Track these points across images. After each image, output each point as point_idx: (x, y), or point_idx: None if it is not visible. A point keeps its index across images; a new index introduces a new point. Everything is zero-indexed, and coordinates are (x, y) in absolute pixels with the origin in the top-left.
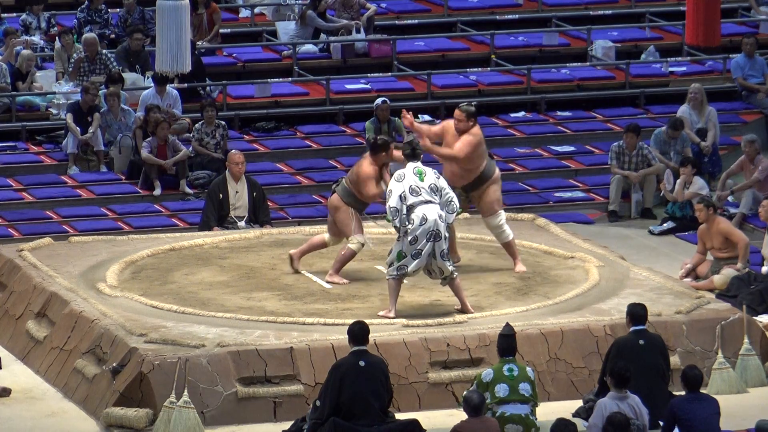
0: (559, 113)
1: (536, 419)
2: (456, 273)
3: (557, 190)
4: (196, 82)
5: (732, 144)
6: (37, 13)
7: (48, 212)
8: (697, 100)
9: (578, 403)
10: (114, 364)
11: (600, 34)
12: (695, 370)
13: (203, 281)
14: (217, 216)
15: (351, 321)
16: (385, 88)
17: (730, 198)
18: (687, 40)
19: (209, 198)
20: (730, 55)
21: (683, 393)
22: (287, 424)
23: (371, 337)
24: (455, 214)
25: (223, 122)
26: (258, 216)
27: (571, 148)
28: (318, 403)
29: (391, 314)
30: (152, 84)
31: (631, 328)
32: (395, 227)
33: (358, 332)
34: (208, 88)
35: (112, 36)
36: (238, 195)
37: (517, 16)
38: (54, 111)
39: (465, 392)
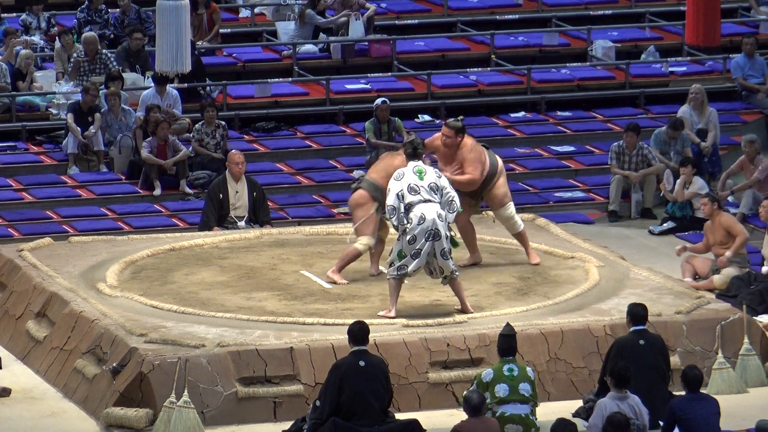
0: (559, 113)
1: (536, 419)
2: (457, 272)
3: (557, 190)
4: (196, 82)
5: (732, 144)
6: (37, 13)
7: (48, 212)
8: (698, 100)
9: (578, 403)
10: (114, 364)
11: (600, 34)
12: (695, 370)
13: (203, 281)
14: (217, 216)
15: (351, 321)
16: (385, 88)
17: (730, 198)
18: (687, 40)
19: (209, 198)
20: (730, 55)
21: (683, 393)
22: (287, 424)
23: (371, 337)
24: (456, 213)
25: (223, 122)
26: (258, 216)
27: (571, 148)
28: (318, 403)
29: (392, 314)
30: (152, 84)
31: (632, 328)
32: (393, 226)
33: (358, 332)
34: (208, 88)
35: (112, 36)
36: (238, 195)
37: (517, 16)
38: (54, 111)
39: (465, 392)
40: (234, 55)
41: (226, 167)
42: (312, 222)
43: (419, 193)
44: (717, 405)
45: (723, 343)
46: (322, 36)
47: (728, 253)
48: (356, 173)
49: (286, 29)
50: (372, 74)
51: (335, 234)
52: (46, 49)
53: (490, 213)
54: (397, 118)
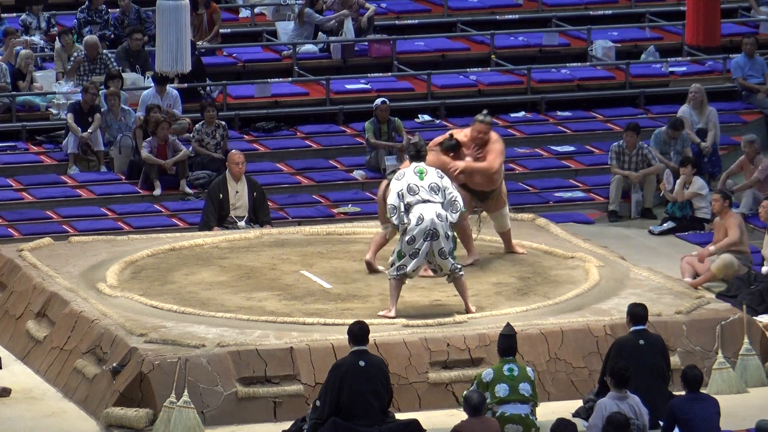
0: (559, 113)
1: (536, 419)
2: (461, 271)
3: (557, 190)
4: (196, 82)
5: (732, 144)
6: (37, 13)
7: (48, 212)
8: (698, 100)
9: (578, 403)
10: (114, 364)
11: (600, 34)
12: (695, 370)
13: (203, 281)
14: (217, 216)
15: (351, 321)
16: (385, 88)
17: None
18: (687, 40)
19: (209, 198)
20: (730, 55)
21: (683, 393)
22: (287, 424)
23: (371, 337)
24: (459, 213)
25: (223, 122)
26: (258, 216)
27: (571, 148)
28: (318, 403)
29: (392, 314)
30: (152, 84)
31: (632, 328)
32: (395, 225)
33: (358, 332)
34: (208, 88)
35: (113, 36)
36: (238, 195)
37: (517, 16)
38: (54, 111)
39: (465, 392)
40: (234, 55)
41: (226, 167)
42: (312, 222)
43: (418, 193)
44: (717, 405)
45: (723, 343)
46: (322, 36)
47: (711, 248)
48: (356, 173)
49: (286, 29)
50: (372, 74)
51: (335, 234)
52: (46, 49)
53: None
54: (396, 118)
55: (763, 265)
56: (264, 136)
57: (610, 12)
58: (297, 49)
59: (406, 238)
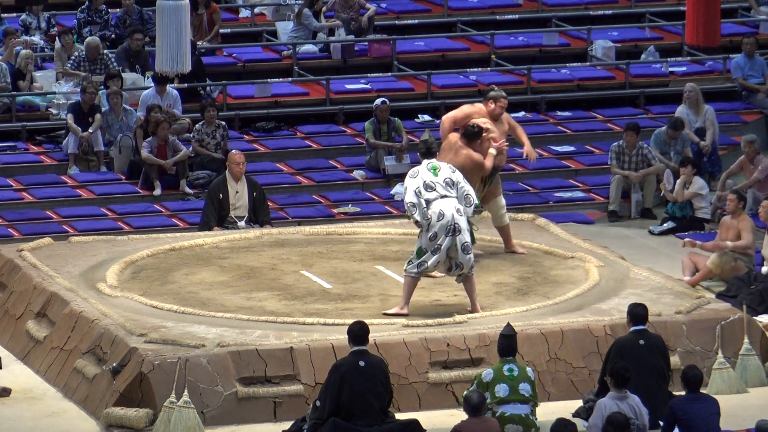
0: (559, 113)
1: (536, 419)
2: (473, 271)
3: (557, 190)
4: (196, 82)
5: (732, 144)
6: (37, 13)
7: (48, 212)
8: (693, 99)
9: (578, 403)
10: (114, 364)
11: (600, 34)
12: (695, 370)
13: (203, 281)
14: (217, 216)
15: (351, 321)
16: (385, 88)
17: None
18: (687, 40)
19: (209, 198)
20: (730, 55)
21: (683, 393)
22: (287, 424)
23: (371, 337)
24: (473, 206)
25: (223, 122)
26: (258, 216)
27: (571, 148)
28: (318, 403)
29: (405, 311)
30: (152, 84)
31: (632, 328)
32: (416, 222)
33: (358, 332)
34: (208, 88)
35: (113, 36)
36: (238, 195)
37: (517, 16)
38: (54, 111)
39: (465, 392)
40: (234, 55)
41: (226, 167)
42: (312, 222)
43: (435, 189)
44: (717, 405)
45: (723, 343)
46: (321, 36)
47: (729, 243)
48: (356, 173)
49: (286, 29)
50: (372, 74)
51: (335, 234)
52: (46, 49)
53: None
54: (396, 118)
55: (763, 265)
56: (264, 136)
57: (610, 12)
58: (297, 49)
59: (429, 234)
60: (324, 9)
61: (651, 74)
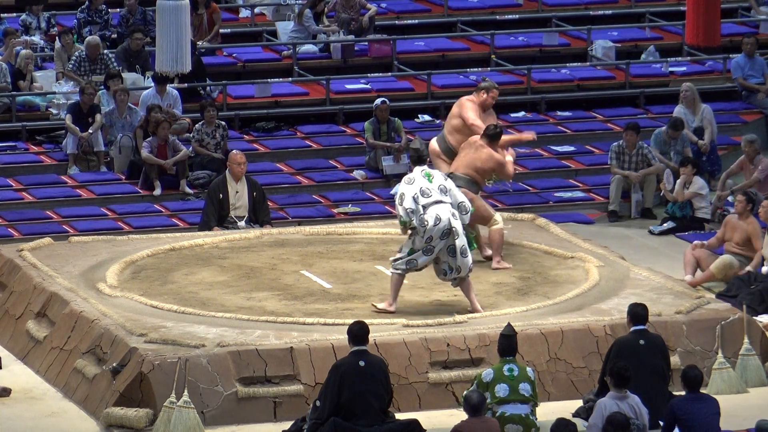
0: (559, 113)
1: (536, 419)
2: (469, 273)
3: (557, 190)
4: (196, 82)
5: (732, 144)
6: (37, 13)
7: (48, 212)
8: (689, 98)
9: (578, 403)
10: (114, 364)
11: (600, 34)
12: (695, 370)
13: (203, 281)
14: (217, 216)
15: (351, 321)
16: (385, 88)
17: (730, 198)
18: (687, 40)
19: (209, 198)
20: (730, 55)
21: (683, 393)
22: (287, 424)
23: (371, 337)
24: (469, 214)
25: (223, 122)
26: (258, 216)
27: (571, 148)
28: (318, 403)
29: (392, 309)
30: (152, 84)
31: (632, 328)
32: (412, 228)
33: (358, 332)
34: (208, 88)
35: (114, 36)
36: (238, 195)
37: (517, 16)
38: (54, 111)
39: (465, 392)
40: (234, 55)
41: (226, 167)
42: (312, 222)
43: (431, 195)
44: (717, 405)
45: (723, 343)
46: (321, 36)
47: (749, 267)
48: (356, 173)
49: (286, 29)
50: (372, 74)
51: (335, 234)
52: (46, 49)
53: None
54: (396, 119)
55: (763, 265)
56: (264, 136)
57: (610, 12)
58: (297, 49)
59: (425, 237)
60: (326, 10)
61: (651, 74)
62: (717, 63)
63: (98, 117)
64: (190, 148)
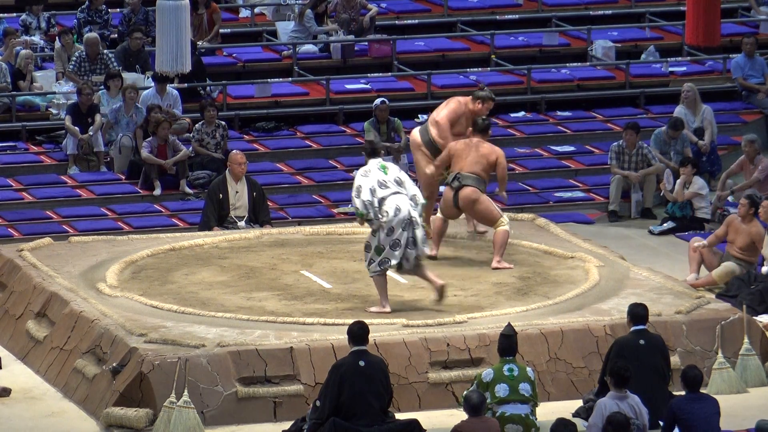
0: (559, 113)
1: (536, 419)
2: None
3: (557, 190)
4: (196, 82)
5: (732, 144)
6: (37, 13)
7: (48, 212)
8: (691, 99)
9: (578, 403)
10: (114, 364)
11: (600, 34)
12: (695, 370)
13: (203, 281)
14: (217, 216)
15: (351, 321)
16: (385, 88)
17: (730, 198)
18: (687, 40)
19: (209, 198)
20: (730, 55)
21: (683, 393)
22: (287, 424)
23: (371, 337)
24: (420, 206)
25: (223, 122)
26: (258, 216)
27: (571, 148)
28: (318, 403)
29: (387, 309)
30: (152, 84)
31: (632, 328)
32: (368, 220)
33: (358, 332)
34: (208, 88)
35: (114, 36)
36: (238, 195)
37: (517, 16)
38: (54, 111)
39: (465, 392)
40: (234, 55)
41: (226, 167)
42: (312, 222)
43: (389, 187)
44: (717, 405)
45: (723, 343)
46: (321, 36)
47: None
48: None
49: (286, 29)
50: (372, 74)
51: (335, 234)
52: (46, 49)
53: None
54: (396, 119)
55: (763, 265)
56: (264, 136)
57: (610, 12)
58: (297, 49)
59: (385, 230)
60: (328, 10)
61: (651, 74)
62: (717, 63)
63: (98, 117)
64: (190, 148)
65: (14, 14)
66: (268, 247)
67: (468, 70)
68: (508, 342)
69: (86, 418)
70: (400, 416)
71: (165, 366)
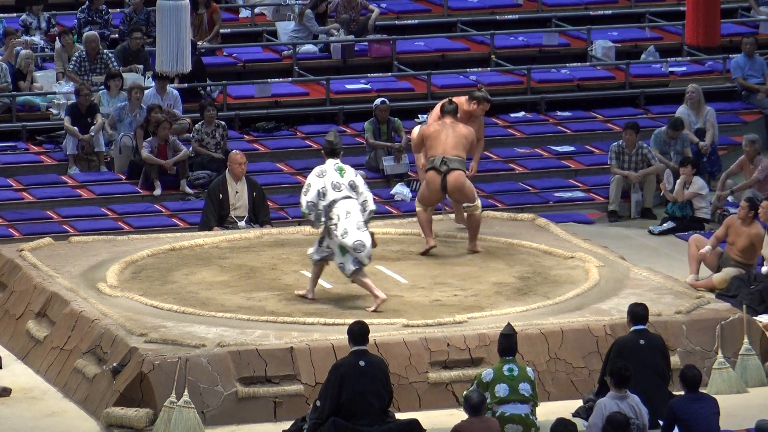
0: (559, 113)
1: (536, 419)
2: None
3: (557, 190)
4: (197, 82)
5: (732, 144)
6: (37, 13)
7: (48, 212)
8: (695, 100)
9: (578, 403)
10: (114, 364)
11: (600, 34)
12: (694, 369)
13: (203, 281)
14: (217, 216)
15: (351, 321)
16: (385, 88)
17: (730, 198)
18: (687, 40)
19: (209, 198)
20: (730, 55)
21: (683, 393)
22: (287, 424)
23: (371, 337)
24: (369, 212)
25: (223, 122)
26: (258, 216)
27: (571, 148)
28: (318, 403)
29: (311, 295)
30: (153, 84)
31: (632, 328)
32: (310, 221)
33: (358, 332)
34: (208, 88)
35: (114, 36)
36: (238, 195)
37: (517, 16)
38: (54, 111)
39: (465, 392)
40: (234, 55)
41: (226, 167)
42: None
43: (342, 190)
44: (716, 404)
45: (723, 343)
46: (321, 36)
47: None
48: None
49: (286, 29)
50: (372, 74)
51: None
52: (46, 49)
53: (490, 213)
54: (396, 119)
55: (763, 265)
56: (264, 136)
57: (610, 12)
58: (297, 49)
59: (340, 231)
60: (328, 10)
61: (651, 74)
62: (717, 63)
63: (98, 117)
64: (190, 148)
65: (14, 14)
66: (268, 247)
67: (468, 70)
68: (508, 342)
69: (86, 418)
70: (400, 416)
71: (165, 366)
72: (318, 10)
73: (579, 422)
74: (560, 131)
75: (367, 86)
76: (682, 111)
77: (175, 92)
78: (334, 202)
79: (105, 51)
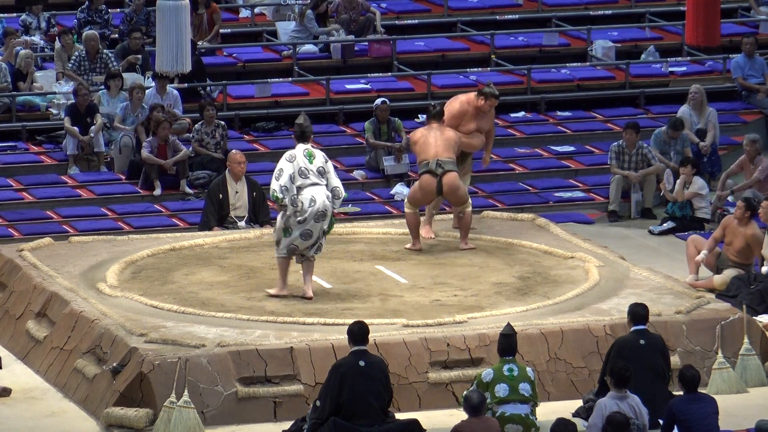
0: (559, 113)
1: (536, 419)
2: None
3: (557, 190)
4: (197, 82)
5: (732, 144)
6: (37, 13)
7: (48, 212)
8: (698, 100)
9: (578, 403)
10: (114, 364)
11: (600, 34)
12: (692, 370)
13: (203, 281)
14: (217, 216)
15: (351, 321)
16: (385, 88)
17: (730, 198)
18: (687, 40)
19: (209, 198)
20: (730, 55)
21: (682, 393)
22: (287, 424)
23: (371, 337)
24: (341, 199)
25: (222, 122)
26: (258, 216)
27: (571, 148)
28: (318, 403)
29: (284, 292)
30: (153, 84)
31: (632, 328)
32: (283, 205)
33: (358, 332)
34: (208, 88)
35: (114, 36)
36: (238, 195)
37: (517, 16)
38: (54, 111)
39: (465, 392)
40: (234, 55)
41: (226, 167)
42: None
43: (308, 177)
44: (715, 404)
45: (723, 343)
46: (322, 36)
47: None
48: (356, 173)
49: (286, 29)
50: (372, 74)
51: (335, 234)
52: (46, 49)
53: (490, 213)
54: (396, 119)
55: (762, 265)
56: (264, 136)
57: (610, 12)
58: (297, 49)
59: (298, 218)
60: (329, 11)
61: (651, 74)
62: (717, 63)
63: (98, 118)
64: (190, 148)
65: (14, 14)
66: (268, 247)
67: (468, 70)
68: (508, 342)
69: (86, 418)
70: (400, 416)
71: (165, 366)
72: (318, 11)
73: (579, 422)
74: (560, 131)
75: (367, 86)
76: (684, 111)
77: (175, 92)
78: (300, 188)
79: (105, 51)
